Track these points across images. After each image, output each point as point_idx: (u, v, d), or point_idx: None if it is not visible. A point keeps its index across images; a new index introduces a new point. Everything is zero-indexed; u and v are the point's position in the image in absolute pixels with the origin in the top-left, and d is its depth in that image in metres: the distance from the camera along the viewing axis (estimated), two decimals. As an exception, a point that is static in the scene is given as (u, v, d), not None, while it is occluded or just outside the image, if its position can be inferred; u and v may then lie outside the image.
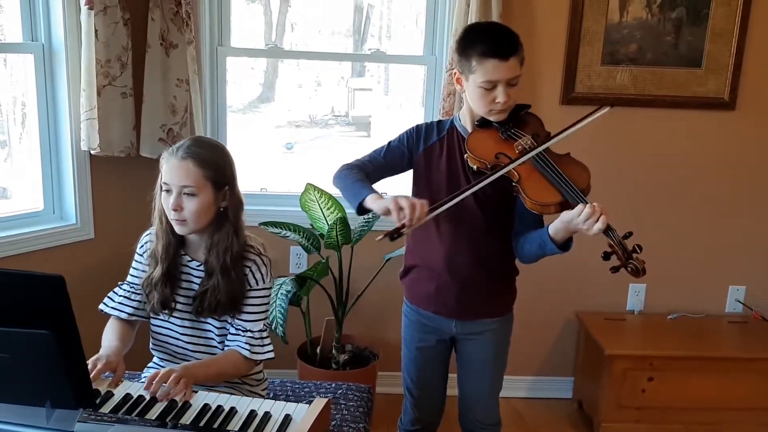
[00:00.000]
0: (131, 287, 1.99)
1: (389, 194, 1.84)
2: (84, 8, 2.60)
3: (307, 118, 4.02)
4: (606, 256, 1.72)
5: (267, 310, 1.96)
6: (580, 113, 2.92)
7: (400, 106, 4.03)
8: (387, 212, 1.78)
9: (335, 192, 2.91)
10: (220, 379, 1.92)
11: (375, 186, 1.93)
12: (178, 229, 1.86)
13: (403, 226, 1.74)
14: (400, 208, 1.74)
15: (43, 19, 2.70)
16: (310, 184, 2.90)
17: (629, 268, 1.68)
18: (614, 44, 2.99)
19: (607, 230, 1.70)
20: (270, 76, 4.12)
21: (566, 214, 1.75)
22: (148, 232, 1.99)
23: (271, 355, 1.93)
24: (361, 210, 1.88)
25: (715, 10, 2.95)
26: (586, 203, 1.72)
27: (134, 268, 2.01)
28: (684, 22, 2.98)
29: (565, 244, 1.84)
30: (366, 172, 2.01)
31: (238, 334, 1.91)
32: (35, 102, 2.75)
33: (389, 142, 2.09)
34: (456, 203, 1.85)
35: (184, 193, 1.81)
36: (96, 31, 2.61)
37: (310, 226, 2.97)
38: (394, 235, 1.76)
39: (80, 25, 2.64)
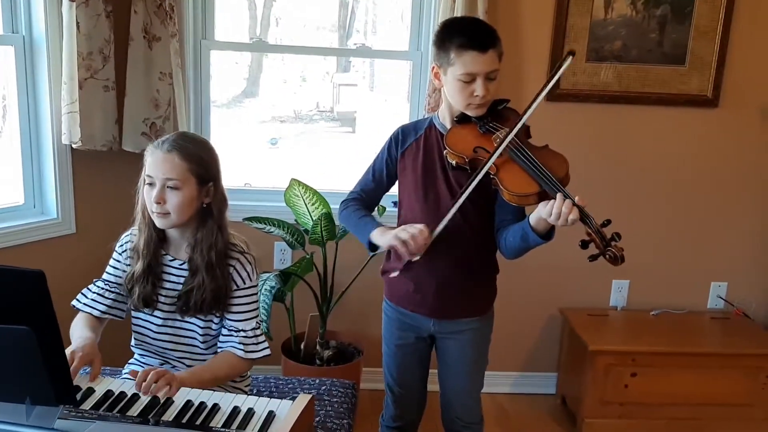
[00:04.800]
0: (106, 285, 1.96)
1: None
2: (65, 0, 2.56)
3: (291, 114, 4.01)
4: (584, 245, 1.69)
5: (257, 308, 1.95)
6: (566, 110, 3.00)
7: (385, 102, 4.02)
8: (393, 248, 1.86)
9: (320, 187, 2.91)
10: (216, 383, 1.87)
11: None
12: (159, 223, 1.84)
13: (413, 254, 1.82)
14: (404, 242, 1.81)
15: (23, 11, 2.65)
16: (294, 179, 2.89)
17: (607, 256, 1.65)
18: (599, 41, 2.99)
19: (584, 219, 1.68)
20: (254, 70, 4.10)
21: (541, 209, 1.74)
22: (129, 231, 1.97)
23: (267, 352, 1.91)
24: (372, 247, 1.96)
25: (698, 7, 2.97)
26: (563, 192, 1.70)
27: (111, 266, 1.98)
28: (668, 19, 2.99)
29: (547, 234, 1.82)
30: (365, 203, 2.11)
31: (231, 335, 1.89)
32: (16, 95, 2.71)
33: (373, 162, 2.13)
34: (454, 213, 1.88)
35: (167, 187, 1.79)
36: (78, 23, 2.57)
37: (295, 222, 2.95)
38: (407, 266, 1.86)
39: (62, 17, 2.61)
